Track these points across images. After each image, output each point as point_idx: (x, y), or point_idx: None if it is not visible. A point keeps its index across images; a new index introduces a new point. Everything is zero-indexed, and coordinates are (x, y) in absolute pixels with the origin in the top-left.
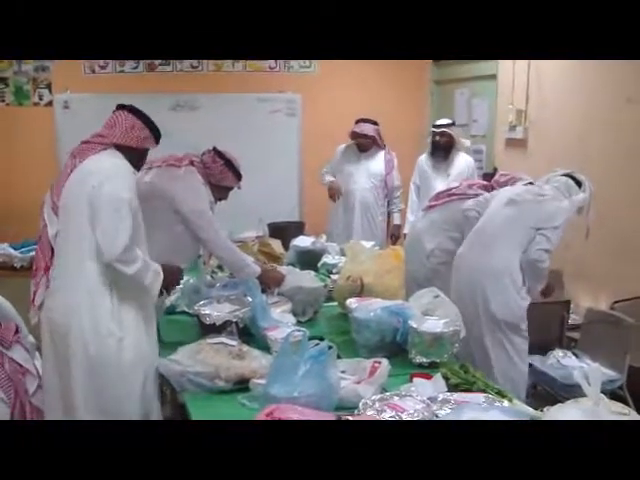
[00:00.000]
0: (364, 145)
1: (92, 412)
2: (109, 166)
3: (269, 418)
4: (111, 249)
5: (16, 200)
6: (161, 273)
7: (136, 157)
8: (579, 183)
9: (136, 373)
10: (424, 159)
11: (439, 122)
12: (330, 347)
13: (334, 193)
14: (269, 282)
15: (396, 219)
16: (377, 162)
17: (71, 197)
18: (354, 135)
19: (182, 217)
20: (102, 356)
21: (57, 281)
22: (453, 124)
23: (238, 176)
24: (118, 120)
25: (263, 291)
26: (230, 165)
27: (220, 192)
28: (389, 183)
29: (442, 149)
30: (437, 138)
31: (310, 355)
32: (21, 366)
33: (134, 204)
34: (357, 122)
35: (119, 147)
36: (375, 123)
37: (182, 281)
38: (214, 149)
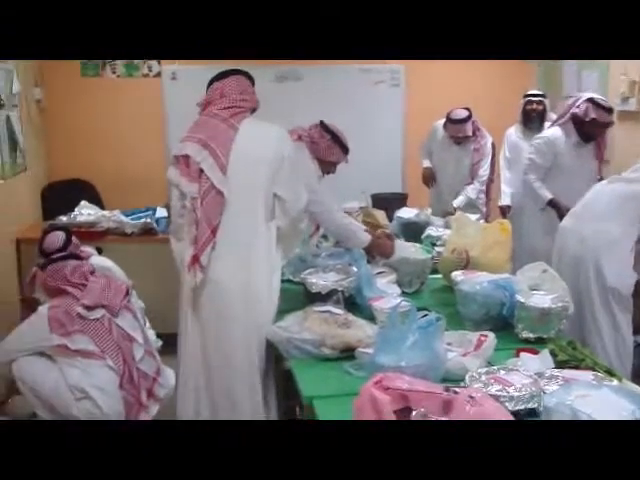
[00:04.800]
0: (461, 141)
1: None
2: (277, 130)
3: (377, 386)
4: (297, 205)
5: (125, 169)
6: None
7: None
8: None
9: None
10: (514, 131)
11: (532, 92)
12: (438, 318)
13: (427, 181)
14: (377, 253)
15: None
16: (468, 152)
17: (245, 159)
18: (452, 134)
19: None
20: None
21: (230, 241)
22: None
23: (345, 150)
24: (243, 85)
25: (368, 261)
26: (337, 140)
27: (327, 166)
28: (477, 172)
29: (538, 119)
30: (534, 107)
31: (418, 326)
32: (128, 334)
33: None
34: (453, 122)
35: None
36: (470, 116)
37: None
38: (321, 123)
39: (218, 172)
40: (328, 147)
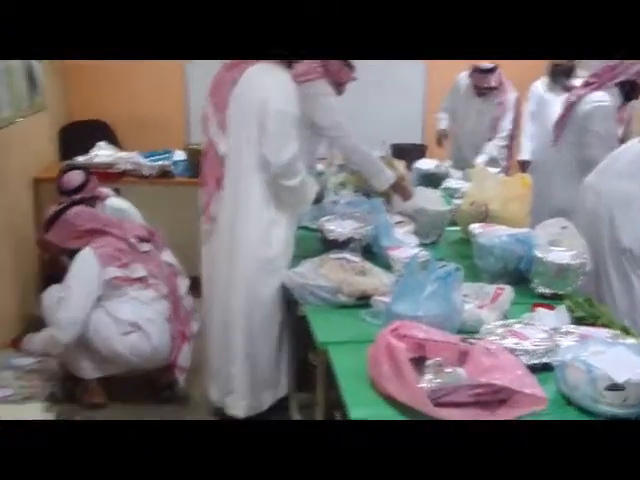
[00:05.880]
0: (484, 93)
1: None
2: (273, 81)
3: (394, 334)
4: (277, 161)
5: (144, 111)
6: (314, 186)
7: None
8: None
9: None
10: (540, 85)
11: None
12: (457, 269)
13: (439, 143)
14: (401, 193)
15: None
16: (491, 106)
17: (239, 112)
18: (476, 83)
19: (319, 129)
20: (259, 262)
21: (227, 193)
22: None
23: (352, 68)
24: None
25: (387, 211)
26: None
27: (339, 89)
28: (501, 127)
29: (566, 72)
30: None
31: (437, 276)
32: (174, 267)
33: (298, 117)
34: (480, 71)
35: None
36: (496, 67)
37: None
38: None
39: (216, 127)
40: (340, 70)
